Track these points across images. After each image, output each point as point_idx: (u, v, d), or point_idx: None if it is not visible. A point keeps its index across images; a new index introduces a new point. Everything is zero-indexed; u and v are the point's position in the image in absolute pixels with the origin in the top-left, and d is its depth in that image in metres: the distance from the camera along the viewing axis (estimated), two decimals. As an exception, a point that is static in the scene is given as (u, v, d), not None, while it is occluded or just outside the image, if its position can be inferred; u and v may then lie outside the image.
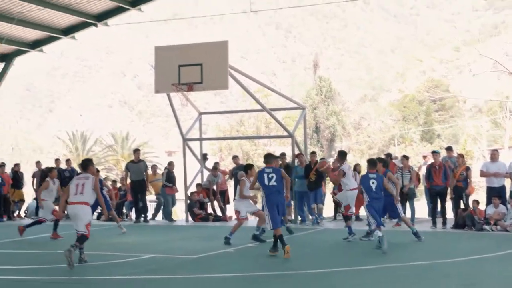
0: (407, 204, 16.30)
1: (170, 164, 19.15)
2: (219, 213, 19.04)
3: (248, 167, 12.86)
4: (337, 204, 18.50)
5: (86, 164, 11.12)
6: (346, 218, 13.70)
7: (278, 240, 11.09)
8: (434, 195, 15.74)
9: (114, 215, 16.36)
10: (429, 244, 12.59)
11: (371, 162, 12.57)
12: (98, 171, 15.22)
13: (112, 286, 8.86)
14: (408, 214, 16.27)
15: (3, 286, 8.86)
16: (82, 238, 10.47)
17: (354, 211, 14.44)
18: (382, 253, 11.18)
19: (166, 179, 18.81)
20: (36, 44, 23.01)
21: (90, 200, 10.67)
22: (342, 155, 14.46)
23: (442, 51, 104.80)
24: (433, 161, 15.83)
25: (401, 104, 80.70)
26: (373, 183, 12.10)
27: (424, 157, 18.91)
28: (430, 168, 15.63)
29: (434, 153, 16.05)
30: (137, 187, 18.42)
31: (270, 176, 11.47)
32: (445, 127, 71.71)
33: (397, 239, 13.41)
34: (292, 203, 17.37)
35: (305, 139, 19.80)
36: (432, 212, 16.05)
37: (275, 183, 11.43)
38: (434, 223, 15.62)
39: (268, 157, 11.89)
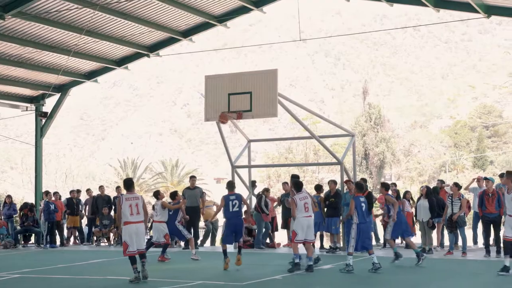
0: (458, 232, 15.96)
1: (268, 190, 18.87)
2: (267, 240, 19.01)
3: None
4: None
5: (131, 184, 11.88)
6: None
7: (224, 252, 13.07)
8: (488, 223, 15.38)
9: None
10: (482, 273, 12.31)
11: (359, 186, 13.11)
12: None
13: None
14: (459, 242, 15.98)
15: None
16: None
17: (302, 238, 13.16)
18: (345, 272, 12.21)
19: (265, 204, 18.28)
20: (91, 75, 23.71)
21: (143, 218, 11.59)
22: (298, 185, 13.30)
23: (495, 77, 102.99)
24: (485, 188, 15.49)
25: (452, 130, 79.56)
26: (362, 206, 12.64)
27: (478, 180, 17.58)
28: (483, 196, 15.29)
29: (487, 180, 15.71)
30: (192, 213, 18.46)
31: (234, 202, 13.22)
32: (498, 153, 70.14)
33: (448, 267, 13.18)
34: (341, 230, 17.27)
35: (354, 166, 19.67)
36: (486, 241, 15.67)
37: (237, 209, 13.25)
38: (488, 252, 15.25)
39: (231, 185, 13.67)
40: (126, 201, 11.45)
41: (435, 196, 16.62)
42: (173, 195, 16.22)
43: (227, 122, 16.76)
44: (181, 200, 15.76)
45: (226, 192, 13.92)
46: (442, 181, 18.60)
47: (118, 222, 11.84)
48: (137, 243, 11.40)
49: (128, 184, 11.84)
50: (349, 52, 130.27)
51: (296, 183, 13.29)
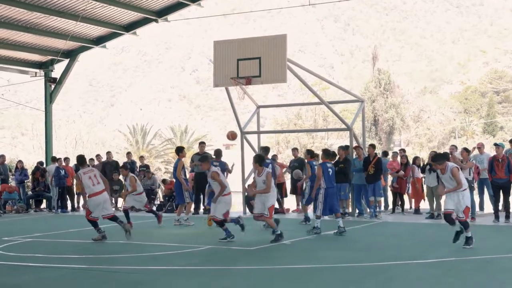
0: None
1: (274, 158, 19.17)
2: (276, 205, 19.07)
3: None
4: (395, 197, 18.37)
5: (84, 160, 12.94)
6: (221, 224, 12.24)
7: None
8: (497, 189, 15.40)
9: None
10: (491, 238, 12.35)
11: (326, 153, 13.64)
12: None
13: (170, 275, 9.07)
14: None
15: (66, 275, 9.20)
16: (115, 218, 12.51)
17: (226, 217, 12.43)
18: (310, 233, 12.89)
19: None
20: (99, 41, 23.63)
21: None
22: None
23: (507, 42, 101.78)
24: (495, 153, 15.46)
25: (463, 96, 79.01)
26: (329, 171, 13.08)
27: (479, 148, 17.36)
28: (493, 161, 15.28)
29: (497, 145, 15.66)
30: (200, 179, 18.55)
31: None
32: (508, 119, 69.71)
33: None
34: (350, 196, 17.32)
35: (363, 132, 19.65)
36: (495, 206, 15.71)
37: None
38: (497, 217, 15.29)
39: (218, 154, 15.83)
40: (84, 174, 12.25)
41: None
42: (179, 150, 16.15)
43: (235, 138, 17.14)
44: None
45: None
46: (455, 147, 18.57)
47: (83, 196, 12.44)
48: (105, 209, 12.31)
49: (82, 160, 12.78)
50: (358, 17, 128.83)
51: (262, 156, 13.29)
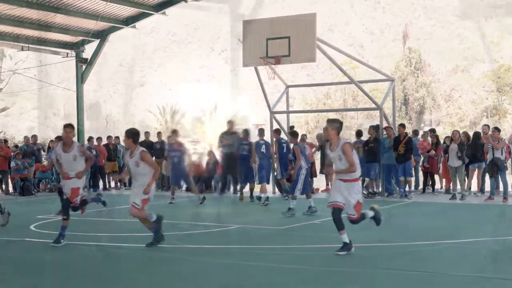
0: (499, 177, 15.76)
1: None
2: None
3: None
4: (426, 177, 18.24)
5: None
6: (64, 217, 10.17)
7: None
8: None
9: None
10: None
11: (295, 134, 13.88)
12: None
13: (202, 254, 9.15)
14: (500, 187, 15.82)
15: (99, 253, 9.35)
16: None
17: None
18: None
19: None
20: (129, 21, 23.71)
21: None
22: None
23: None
24: (528, 133, 15.23)
25: (495, 74, 77.51)
26: (304, 151, 13.60)
27: None
28: (526, 141, 15.06)
29: (530, 125, 15.43)
30: (229, 158, 18.56)
31: (243, 147, 16.55)
32: (543, 98, 68.28)
33: (489, 212, 13.12)
34: (380, 175, 17.25)
35: (394, 111, 19.48)
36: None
37: (245, 153, 16.75)
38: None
39: (246, 133, 16.92)
40: None
41: (475, 142, 16.39)
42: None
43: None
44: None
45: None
46: (488, 126, 18.33)
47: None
48: None
49: None
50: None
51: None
